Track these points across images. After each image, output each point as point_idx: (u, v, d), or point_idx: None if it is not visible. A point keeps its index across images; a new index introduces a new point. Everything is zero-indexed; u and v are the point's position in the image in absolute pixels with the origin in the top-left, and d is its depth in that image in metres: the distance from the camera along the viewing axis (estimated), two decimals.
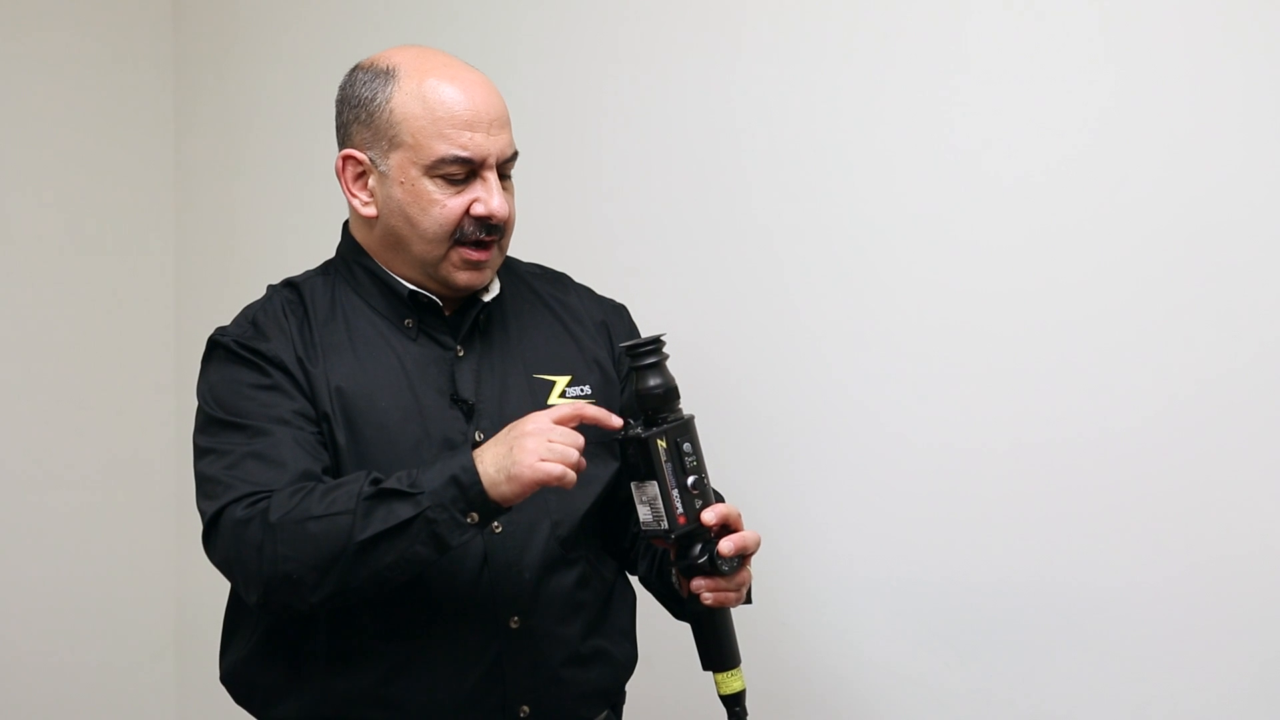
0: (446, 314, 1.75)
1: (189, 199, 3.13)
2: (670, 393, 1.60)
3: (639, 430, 1.58)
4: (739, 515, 1.63)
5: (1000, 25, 1.98)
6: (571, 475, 1.53)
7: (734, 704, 1.65)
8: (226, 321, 1.77)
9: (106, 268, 3.06)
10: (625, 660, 1.81)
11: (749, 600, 1.72)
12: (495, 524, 1.66)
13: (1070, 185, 1.92)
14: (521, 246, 1.91)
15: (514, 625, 1.67)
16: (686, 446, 1.59)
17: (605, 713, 1.79)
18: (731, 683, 1.64)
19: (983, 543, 2.01)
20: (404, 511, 1.53)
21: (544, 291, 1.85)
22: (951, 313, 2.03)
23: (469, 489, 1.53)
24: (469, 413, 1.70)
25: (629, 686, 1.86)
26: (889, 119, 2.08)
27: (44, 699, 2.96)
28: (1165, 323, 1.85)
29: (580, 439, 1.55)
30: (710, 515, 1.60)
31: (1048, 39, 1.93)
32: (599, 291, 1.92)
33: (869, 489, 2.11)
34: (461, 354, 1.73)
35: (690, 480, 1.58)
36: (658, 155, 2.33)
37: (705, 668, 1.66)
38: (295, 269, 1.86)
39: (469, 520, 1.54)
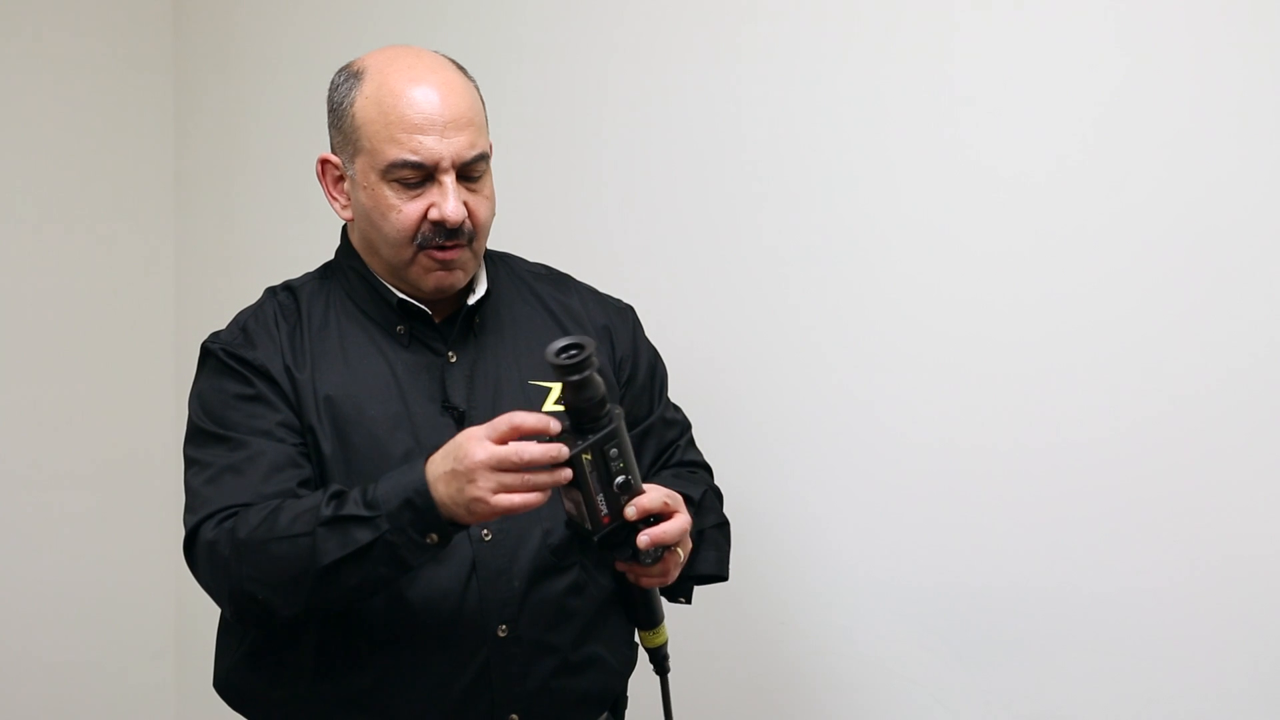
0: (437, 321, 1.74)
1: (189, 199, 3.13)
2: (599, 401, 1.54)
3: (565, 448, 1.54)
4: (664, 501, 1.58)
5: (1002, 27, 1.97)
6: (533, 498, 1.49)
7: (660, 655, 1.77)
8: (226, 322, 1.77)
9: (106, 268, 3.06)
10: (622, 665, 1.80)
11: (687, 599, 1.81)
12: (485, 531, 1.66)
13: (1072, 188, 1.92)
14: (522, 246, 1.91)
15: (502, 634, 1.66)
16: (613, 452, 1.54)
17: (603, 716, 1.79)
18: (656, 639, 1.76)
19: (983, 544, 2.01)
20: (363, 536, 1.52)
21: (544, 293, 1.83)
22: (950, 313, 2.03)
23: (425, 512, 1.51)
24: (460, 419, 1.69)
25: (632, 688, 1.86)
26: (889, 120, 2.07)
27: (44, 699, 2.96)
28: (1166, 326, 1.85)
29: (534, 452, 1.48)
30: (631, 510, 1.55)
31: (1050, 41, 1.93)
32: (603, 290, 1.90)
33: (871, 489, 2.11)
34: (454, 359, 1.72)
35: (617, 481, 1.55)
36: (657, 154, 2.33)
37: (633, 624, 1.78)
38: (295, 269, 1.85)
39: (429, 540, 1.53)
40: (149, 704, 3.12)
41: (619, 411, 1.56)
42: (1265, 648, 1.81)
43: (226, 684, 1.74)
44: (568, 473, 1.50)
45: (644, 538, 1.57)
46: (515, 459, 1.47)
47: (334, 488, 1.58)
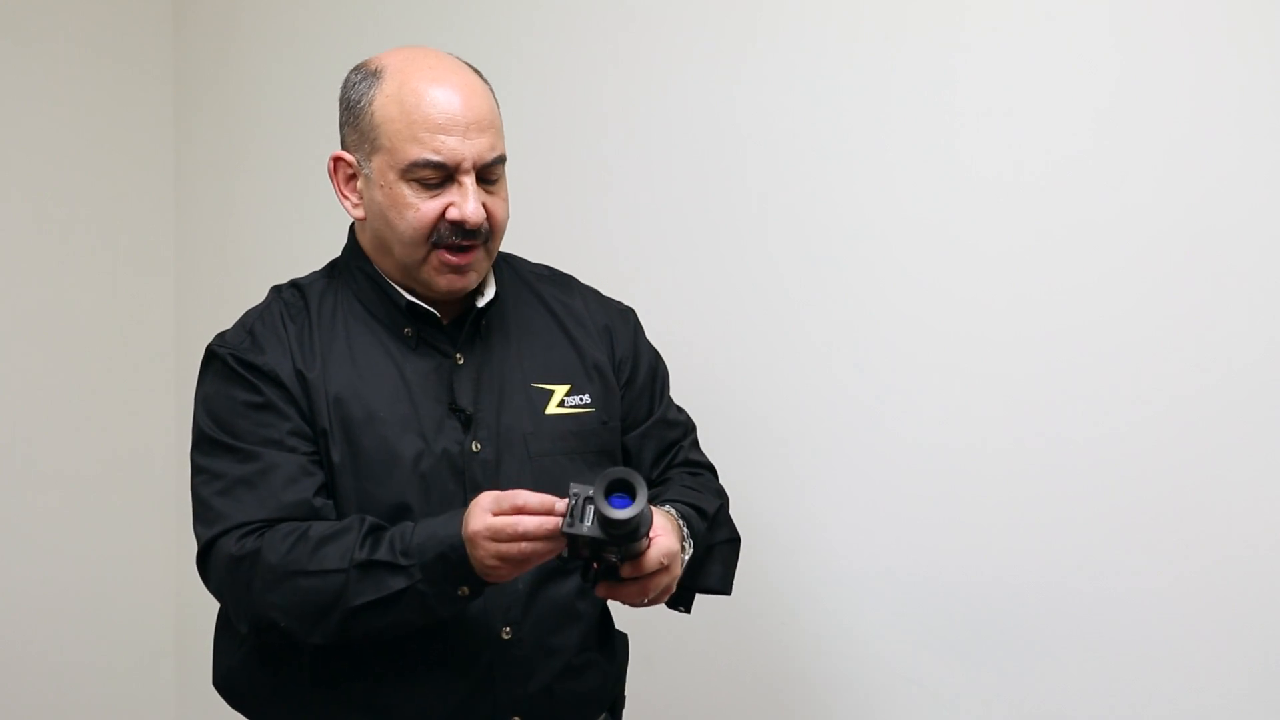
0: (444, 323, 1.74)
1: (189, 199, 3.13)
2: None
3: (614, 559, 1.52)
4: (659, 562, 1.55)
5: (1002, 27, 1.98)
6: (536, 561, 1.52)
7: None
8: (226, 322, 1.76)
9: (106, 268, 3.06)
10: (619, 667, 1.82)
11: (687, 609, 1.75)
12: None
13: (1071, 188, 1.93)
14: (525, 247, 1.91)
15: (505, 636, 1.66)
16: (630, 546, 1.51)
17: (602, 716, 1.79)
18: None
19: (983, 543, 2.01)
20: (395, 584, 1.54)
21: (547, 295, 1.83)
22: (949, 313, 2.03)
23: (458, 566, 1.52)
24: (466, 422, 1.69)
25: (629, 688, 1.86)
26: (889, 121, 2.08)
27: (43, 700, 2.96)
28: (1166, 325, 1.86)
29: (528, 525, 1.48)
30: (627, 569, 1.53)
31: (1049, 41, 1.93)
32: (605, 293, 1.90)
33: (871, 489, 2.12)
34: (461, 361, 1.72)
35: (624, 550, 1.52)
36: (660, 157, 2.33)
37: None
38: (295, 269, 1.85)
39: (460, 593, 1.54)
40: (149, 704, 3.11)
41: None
42: (1265, 647, 1.81)
43: (227, 684, 1.74)
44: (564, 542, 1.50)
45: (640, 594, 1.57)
46: (510, 530, 1.49)
47: (369, 523, 1.58)
